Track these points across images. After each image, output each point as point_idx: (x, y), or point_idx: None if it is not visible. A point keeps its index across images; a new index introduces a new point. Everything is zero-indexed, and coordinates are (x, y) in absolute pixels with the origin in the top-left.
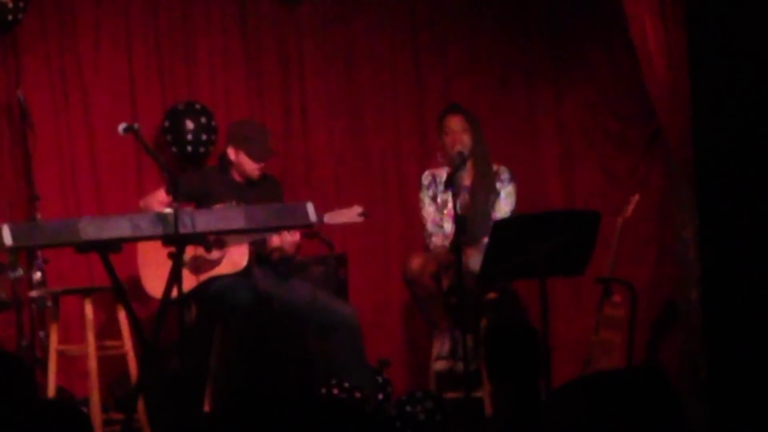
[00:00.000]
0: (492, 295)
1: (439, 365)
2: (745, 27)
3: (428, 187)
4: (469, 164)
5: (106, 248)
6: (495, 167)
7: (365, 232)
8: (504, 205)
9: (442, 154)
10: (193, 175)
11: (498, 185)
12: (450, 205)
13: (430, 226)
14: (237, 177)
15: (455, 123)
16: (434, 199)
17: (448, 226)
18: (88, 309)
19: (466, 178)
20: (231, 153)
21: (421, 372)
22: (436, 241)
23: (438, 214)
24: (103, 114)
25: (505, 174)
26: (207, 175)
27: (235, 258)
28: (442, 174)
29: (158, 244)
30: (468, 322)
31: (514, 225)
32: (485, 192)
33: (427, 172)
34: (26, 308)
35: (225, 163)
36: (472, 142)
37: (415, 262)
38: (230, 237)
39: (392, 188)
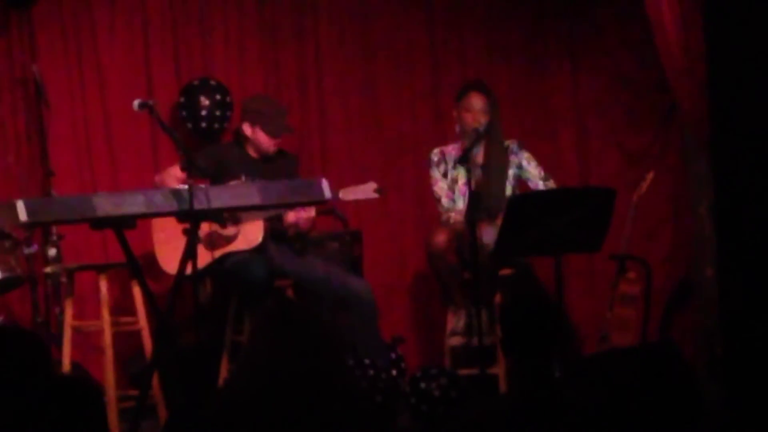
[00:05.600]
0: (507, 271)
1: (454, 341)
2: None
3: (438, 164)
4: (482, 142)
5: (121, 224)
6: (506, 143)
7: (380, 209)
8: (533, 169)
9: (459, 128)
10: (209, 150)
11: (512, 158)
12: (461, 182)
13: (446, 202)
14: (253, 152)
15: (478, 102)
16: (445, 175)
17: (460, 203)
18: (103, 285)
19: (479, 156)
20: (246, 129)
21: (435, 348)
22: (456, 216)
23: (449, 191)
24: (118, 90)
25: (514, 145)
26: (223, 151)
27: (250, 234)
28: (451, 151)
29: (174, 220)
30: (483, 297)
31: (529, 201)
32: (500, 169)
33: (436, 149)
34: (41, 284)
35: (241, 139)
36: (489, 122)
37: (441, 238)
38: (246, 213)
39: (407, 164)
